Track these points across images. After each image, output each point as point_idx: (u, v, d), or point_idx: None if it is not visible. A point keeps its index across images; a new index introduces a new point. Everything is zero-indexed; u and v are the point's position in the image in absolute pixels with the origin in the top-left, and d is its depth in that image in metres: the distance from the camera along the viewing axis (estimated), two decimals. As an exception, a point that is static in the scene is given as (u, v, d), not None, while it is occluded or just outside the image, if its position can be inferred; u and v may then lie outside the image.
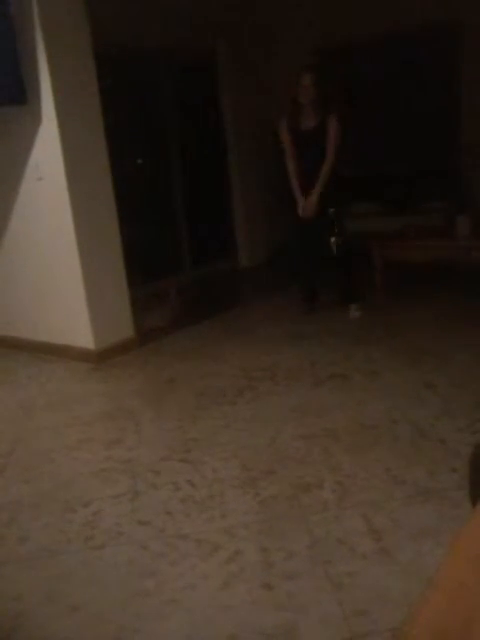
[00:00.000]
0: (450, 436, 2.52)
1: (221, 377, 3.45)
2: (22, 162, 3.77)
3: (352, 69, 5.92)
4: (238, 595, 1.74)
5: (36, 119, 3.58)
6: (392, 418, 2.74)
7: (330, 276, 4.44)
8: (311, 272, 4.53)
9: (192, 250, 5.84)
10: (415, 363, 3.35)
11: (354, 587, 1.72)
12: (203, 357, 3.79)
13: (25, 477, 2.56)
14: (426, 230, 4.62)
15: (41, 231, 3.85)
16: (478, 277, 4.57)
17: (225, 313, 4.67)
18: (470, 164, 5.36)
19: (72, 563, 1.97)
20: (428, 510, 2.05)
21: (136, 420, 3.01)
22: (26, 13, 3.40)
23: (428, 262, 4.50)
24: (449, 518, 1.98)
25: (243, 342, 3.98)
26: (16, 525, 2.22)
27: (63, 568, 1.95)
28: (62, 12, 3.48)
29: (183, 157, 5.66)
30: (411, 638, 0.85)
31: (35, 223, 3.88)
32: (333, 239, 4.14)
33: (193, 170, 5.75)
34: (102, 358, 3.84)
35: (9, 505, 2.36)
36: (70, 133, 3.58)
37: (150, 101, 5.42)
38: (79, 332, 3.86)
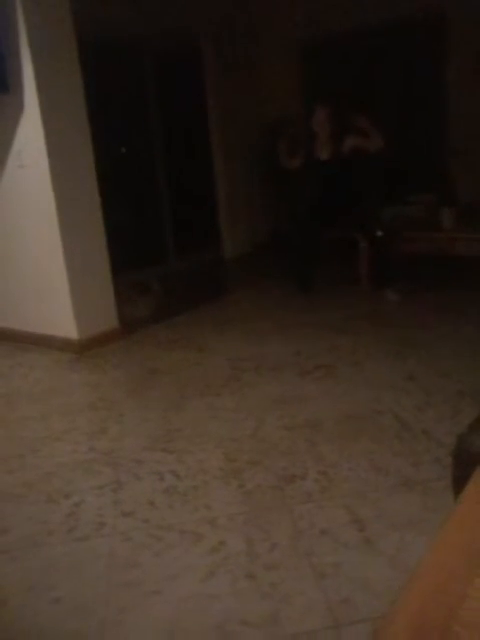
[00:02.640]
0: (433, 427, 2.53)
1: (205, 367, 3.44)
2: (4, 150, 3.71)
3: (339, 64, 5.90)
4: (222, 585, 1.74)
5: (18, 107, 3.53)
6: (376, 409, 2.74)
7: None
8: (311, 255, 4.68)
9: (176, 240, 5.81)
10: (400, 354, 3.36)
11: (337, 577, 1.72)
12: (187, 347, 3.78)
13: (7, 467, 2.54)
14: (412, 222, 4.64)
15: (23, 220, 3.81)
16: (462, 269, 4.60)
17: (209, 303, 4.65)
18: (455, 157, 5.38)
19: (55, 554, 1.96)
20: (411, 500, 2.06)
21: (119, 411, 2.99)
22: (8, 0, 3.34)
23: (414, 253, 4.53)
24: (432, 508, 1.99)
25: (227, 332, 3.97)
26: (-2, 516, 2.20)
27: (46, 559, 1.93)
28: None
29: (167, 147, 5.62)
30: (396, 625, 0.85)
31: (17, 211, 3.83)
32: (379, 233, 4.39)
33: (177, 160, 5.71)
34: (85, 348, 3.81)
35: (-10, 496, 2.33)
36: (53, 121, 3.53)
37: (135, 91, 5.36)
38: (62, 322, 3.83)
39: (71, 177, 3.67)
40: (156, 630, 1.61)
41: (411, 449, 2.38)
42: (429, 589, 0.91)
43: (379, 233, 4.40)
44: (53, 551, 1.97)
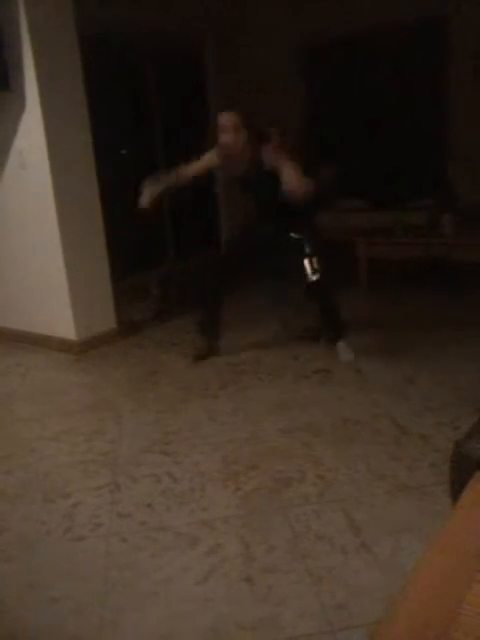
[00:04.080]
0: (430, 432, 2.53)
1: (204, 370, 3.44)
2: (5, 150, 3.72)
3: (338, 66, 5.91)
4: (218, 588, 1.74)
5: (20, 106, 3.53)
6: (374, 413, 2.75)
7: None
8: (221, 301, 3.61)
9: (176, 243, 5.81)
10: (398, 359, 3.36)
11: (334, 581, 1.72)
12: (185, 350, 3.78)
13: (5, 468, 2.54)
14: (411, 228, 4.64)
15: (24, 219, 3.81)
16: (461, 275, 4.61)
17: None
18: (455, 162, 5.38)
19: (51, 555, 1.96)
20: (408, 505, 2.06)
21: (117, 412, 2.99)
22: (11, -2, 3.35)
23: (412, 259, 4.53)
24: (428, 513, 1.99)
25: (226, 336, 3.97)
26: (-6, 516, 2.20)
27: (42, 560, 1.93)
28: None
29: (168, 148, 5.62)
30: (394, 629, 0.86)
31: (18, 211, 3.83)
32: (306, 262, 3.18)
33: (178, 161, 5.70)
34: (84, 349, 3.81)
35: (-13, 496, 2.33)
36: (54, 120, 3.54)
37: (136, 91, 5.37)
38: (61, 322, 3.83)
39: (72, 177, 3.67)
40: (152, 632, 1.61)
41: (408, 454, 2.38)
42: (427, 594, 0.91)
43: (314, 277, 3.19)
44: (50, 551, 1.97)
